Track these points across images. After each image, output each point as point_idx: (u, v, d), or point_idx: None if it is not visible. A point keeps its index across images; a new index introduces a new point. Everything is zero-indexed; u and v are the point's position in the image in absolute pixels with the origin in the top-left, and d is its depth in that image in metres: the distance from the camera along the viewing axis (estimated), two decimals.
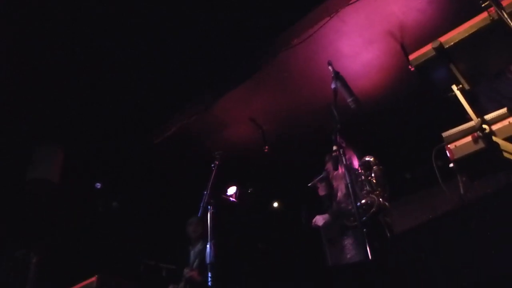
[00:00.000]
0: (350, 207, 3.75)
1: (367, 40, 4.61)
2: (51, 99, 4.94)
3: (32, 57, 4.50)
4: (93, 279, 4.68)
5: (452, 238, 1.84)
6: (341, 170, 3.06)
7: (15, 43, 4.33)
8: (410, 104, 5.25)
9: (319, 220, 3.93)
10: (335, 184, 4.09)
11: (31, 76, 4.66)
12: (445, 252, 1.81)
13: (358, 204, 3.32)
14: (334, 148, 2.61)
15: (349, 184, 2.62)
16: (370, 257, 3.51)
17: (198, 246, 4.73)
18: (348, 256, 3.76)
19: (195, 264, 4.60)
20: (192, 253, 4.79)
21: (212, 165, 3.89)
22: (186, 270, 4.51)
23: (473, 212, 1.86)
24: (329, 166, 4.21)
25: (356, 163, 3.92)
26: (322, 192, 4.32)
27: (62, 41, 4.41)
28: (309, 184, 4.36)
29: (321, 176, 4.29)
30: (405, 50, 4.50)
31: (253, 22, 4.47)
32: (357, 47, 4.68)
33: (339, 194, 3.97)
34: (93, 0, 4.12)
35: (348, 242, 3.82)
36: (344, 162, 2.63)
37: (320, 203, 4.39)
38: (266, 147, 5.53)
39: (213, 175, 3.80)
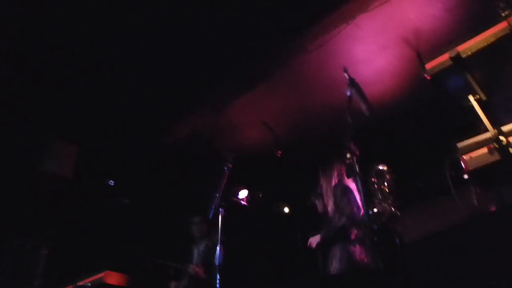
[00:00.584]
0: (340, 224, 3.72)
1: (381, 46, 4.61)
2: (51, 99, 4.97)
3: (32, 57, 4.52)
4: (102, 274, 4.75)
5: (463, 248, 1.81)
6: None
7: (15, 43, 4.35)
8: (423, 111, 5.23)
9: (313, 242, 3.86)
10: (325, 200, 4.02)
11: (31, 76, 4.69)
12: (455, 262, 1.80)
13: (370, 212, 3.29)
14: (348, 155, 2.59)
15: (361, 193, 2.60)
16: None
17: (203, 245, 4.77)
18: (331, 267, 3.73)
19: (200, 262, 4.64)
20: (196, 252, 4.83)
21: (225, 168, 3.86)
22: (191, 267, 4.55)
23: (485, 222, 1.84)
24: (323, 180, 4.13)
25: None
26: (321, 209, 4.17)
27: (62, 41, 4.43)
28: (308, 204, 4.27)
29: (317, 192, 4.17)
30: (421, 57, 4.46)
31: (268, 25, 4.47)
32: (372, 53, 4.68)
33: (329, 209, 3.93)
34: (93, 0, 4.14)
35: (334, 253, 3.75)
36: (357, 170, 2.61)
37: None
38: (280, 151, 5.49)
39: (225, 178, 3.76)
